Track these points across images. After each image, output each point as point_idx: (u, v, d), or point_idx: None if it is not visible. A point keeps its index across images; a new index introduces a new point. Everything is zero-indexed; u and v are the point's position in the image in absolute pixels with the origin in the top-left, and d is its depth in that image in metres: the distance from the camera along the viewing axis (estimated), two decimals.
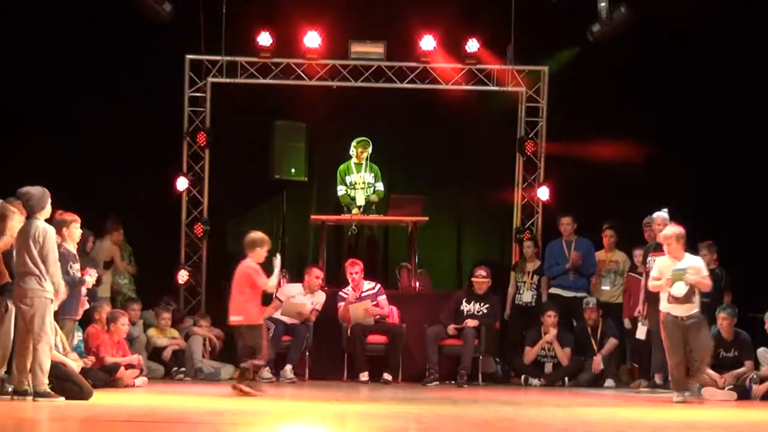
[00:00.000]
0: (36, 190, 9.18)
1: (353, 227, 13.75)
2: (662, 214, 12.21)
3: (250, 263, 10.48)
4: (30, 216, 9.14)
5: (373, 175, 13.78)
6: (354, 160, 13.79)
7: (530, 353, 13.05)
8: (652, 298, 12.21)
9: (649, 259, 12.28)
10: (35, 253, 8.98)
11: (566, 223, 13.65)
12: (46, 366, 9.00)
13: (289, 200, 14.57)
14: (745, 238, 13.57)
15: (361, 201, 13.71)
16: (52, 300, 9.06)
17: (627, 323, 13.13)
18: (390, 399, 10.71)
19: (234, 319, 10.51)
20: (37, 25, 13.62)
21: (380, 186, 13.80)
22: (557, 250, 13.62)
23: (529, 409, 9.54)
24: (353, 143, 13.77)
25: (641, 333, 12.34)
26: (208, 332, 13.05)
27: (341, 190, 13.79)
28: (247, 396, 10.16)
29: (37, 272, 8.97)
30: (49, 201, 9.24)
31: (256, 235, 10.61)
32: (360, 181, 13.77)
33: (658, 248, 12.24)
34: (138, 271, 13.47)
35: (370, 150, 13.76)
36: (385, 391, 11.74)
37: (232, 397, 10.24)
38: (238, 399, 10.18)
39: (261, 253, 10.49)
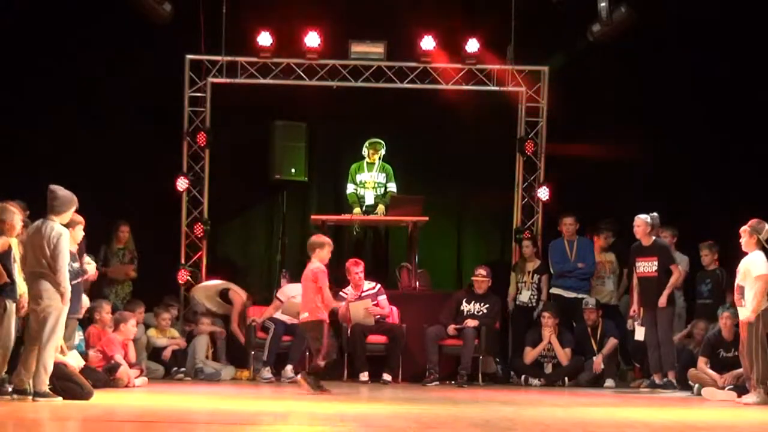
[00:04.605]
0: (64, 193, 9.19)
1: (356, 227, 13.77)
2: (643, 216, 12.21)
3: (318, 264, 10.73)
4: (46, 216, 9.12)
5: (384, 175, 13.81)
6: (367, 159, 13.82)
7: (530, 354, 13.04)
8: (646, 299, 12.21)
9: (637, 264, 12.28)
10: (48, 254, 8.98)
11: (569, 224, 13.65)
12: (50, 367, 9.01)
13: (289, 200, 14.57)
14: None
15: (370, 200, 13.74)
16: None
17: (630, 323, 13.12)
18: (390, 399, 10.71)
19: (302, 316, 10.76)
20: (36, 24, 13.62)
21: (392, 186, 13.81)
22: (559, 249, 13.62)
23: (529, 409, 9.54)
24: (366, 144, 13.81)
25: (639, 334, 12.33)
26: (211, 329, 13.07)
27: (350, 188, 13.82)
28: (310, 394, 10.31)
29: (51, 273, 8.98)
30: (73, 210, 9.25)
31: (318, 238, 10.97)
32: (370, 180, 13.79)
33: (642, 252, 12.24)
34: (138, 272, 13.49)
35: (383, 151, 13.79)
36: (385, 391, 11.74)
37: (237, 397, 10.26)
38: (238, 399, 10.19)
39: (323, 254, 10.74)
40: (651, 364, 12.25)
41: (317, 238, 11.06)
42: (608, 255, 13.62)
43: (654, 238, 12.25)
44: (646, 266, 12.21)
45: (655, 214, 12.25)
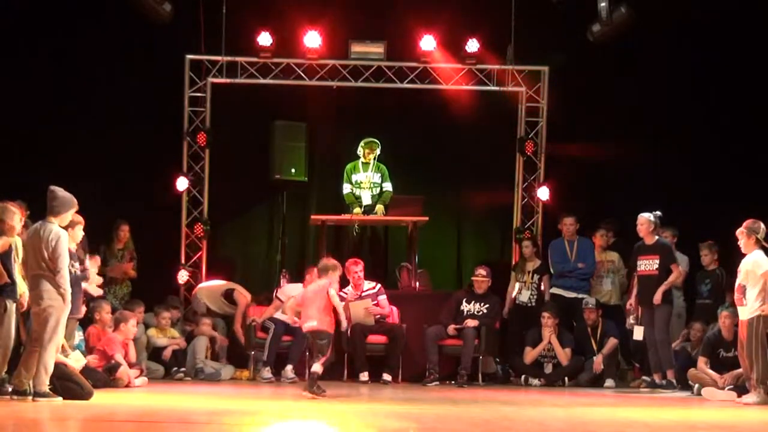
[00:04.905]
0: (63, 194, 9.18)
1: (356, 227, 13.78)
2: (646, 214, 12.21)
3: (328, 282, 10.52)
4: (45, 217, 9.12)
5: (380, 175, 13.80)
6: (362, 159, 13.82)
7: (530, 354, 13.03)
8: (646, 298, 12.21)
9: (639, 262, 12.29)
10: (47, 256, 8.98)
11: (569, 224, 13.64)
12: (51, 368, 9.02)
13: (289, 200, 14.57)
14: None
15: (367, 200, 13.74)
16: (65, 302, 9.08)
17: (628, 322, 13.10)
18: (390, 399, 10.71)
19: (309, 325, 10.48)
20: (36, 24, 13.62)
21: (388, 186, 13.80)
22: (560, 249, 13.61)
23: (529, 409, 9.54)
24: (361, 143, 13.80)
25: (638, 334, 12.32)
26: (212, 334, 13.07)
27: (346, 188, 13.80)
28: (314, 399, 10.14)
29: (51, 274, 8.98)
30: (72, 211, 9.24)
31: (329, 261, 10.72)
32: (366, 180, 13.79)
33: (644, 251, 12.24)
34: (137, 272, 13.49)
35: (378, 151, 13.79)
36: (385, 391, 11.74)
37: (237, 397, 10.25)
38: (238, 399, 10.20)
39: (335, 276, 10.57)
40: (651, 363, 12.25)
41: (328, 261, 10.77)
42: (608, 254, 13.63)
43: (657, 237, 12.26)
44: (648, 264, 12.22)
45: (658, 212, 12.25)
